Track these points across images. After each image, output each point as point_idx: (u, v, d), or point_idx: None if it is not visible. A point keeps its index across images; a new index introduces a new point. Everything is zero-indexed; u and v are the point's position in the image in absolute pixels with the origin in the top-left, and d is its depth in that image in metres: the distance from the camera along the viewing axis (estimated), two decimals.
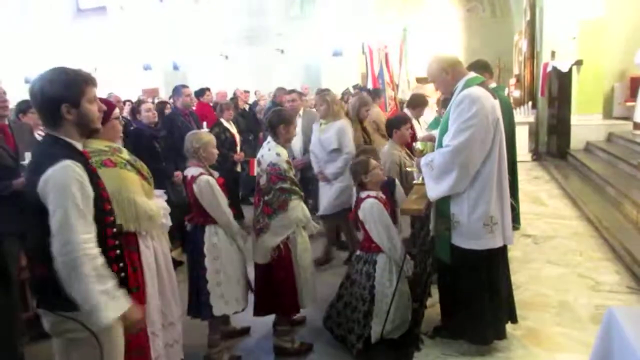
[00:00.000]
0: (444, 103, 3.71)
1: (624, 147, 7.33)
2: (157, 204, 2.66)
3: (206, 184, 2.99)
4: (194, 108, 6.31)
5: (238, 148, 5.98)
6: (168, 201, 2.91)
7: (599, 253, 4.47)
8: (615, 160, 6.95)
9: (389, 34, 10.39)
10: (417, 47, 10.57)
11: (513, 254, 4.38)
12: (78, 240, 1.69)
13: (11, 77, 14.10)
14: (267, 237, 3.17)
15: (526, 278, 3.96)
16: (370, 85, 7.63)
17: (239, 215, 3.95)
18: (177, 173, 4.52)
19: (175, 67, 14.94)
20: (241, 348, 3.50)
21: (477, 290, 2.73)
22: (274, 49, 14.34)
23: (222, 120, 5.91)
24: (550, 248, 4.65)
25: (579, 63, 8.53)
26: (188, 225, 3.19)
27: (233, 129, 6.03)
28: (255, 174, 3.45)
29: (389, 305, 3.02)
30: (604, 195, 5.96)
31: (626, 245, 4.27)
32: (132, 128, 5.15)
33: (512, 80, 11.42)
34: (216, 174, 3.18)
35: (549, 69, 8.83)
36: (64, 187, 1.71)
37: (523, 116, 9.28)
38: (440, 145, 2.72)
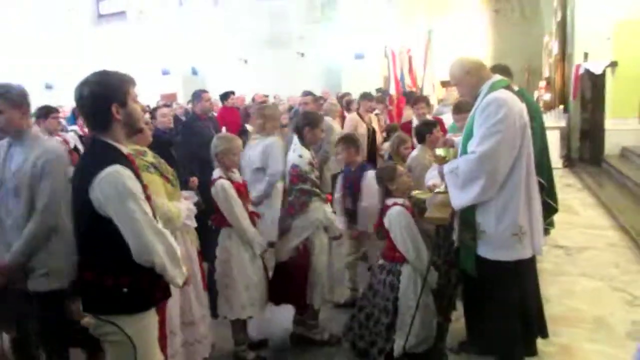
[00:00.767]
0: (455, 109, 3.55)
1: None
2: (178, 205, 2.70)
3: (221, 188, 3.03)
4: (214, 113, 6.28)
5: None
6: None
7: (636, 265, 4.30)
8: None
9: (413, 36, 10.24)
10: (442, 50, 10.37)
11: (544, 265, 4.21)
12: (154, 244, 1.85)
13: (32, 83, 14.58)
14: (289, 236, 3.24)
15: (558, 292, 3.82)
16: (392, 89, 7.51)
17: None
18: (193, 179, 4.48)
19: (194, 72, 15.14)
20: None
21: (506, 304, 2.61)
22: (295, 52, 14.36)
23: (248, 126, 5.68)
24: (584, 260, 4.48)
25: (613, 64, 8.24)
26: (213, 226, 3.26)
27: None
28: None
29: (412, 317, 2.90)
30: None
31: None
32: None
33: (542, 83, 11.12)
34: (239, 178, 3.22)
35: (582, 71, 8.56)
36: (121, 188, 1.78)
37: (554, 120, 9.02)
38: (465, 152, 2.60)
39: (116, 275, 1.86)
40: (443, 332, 3.07)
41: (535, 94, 10.75)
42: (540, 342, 2.83)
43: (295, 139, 3.32)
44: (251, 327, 3.46)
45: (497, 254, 2.56)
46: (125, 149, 1.95)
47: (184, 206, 2.79)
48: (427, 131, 4.02)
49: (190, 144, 4.86)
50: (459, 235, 2.80)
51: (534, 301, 2.75)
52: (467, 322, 3.00)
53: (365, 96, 6.26)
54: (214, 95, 7.20)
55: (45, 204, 2.41)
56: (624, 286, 3.86)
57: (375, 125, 5.89)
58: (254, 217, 3.19)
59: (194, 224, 2.88)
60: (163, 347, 2.40)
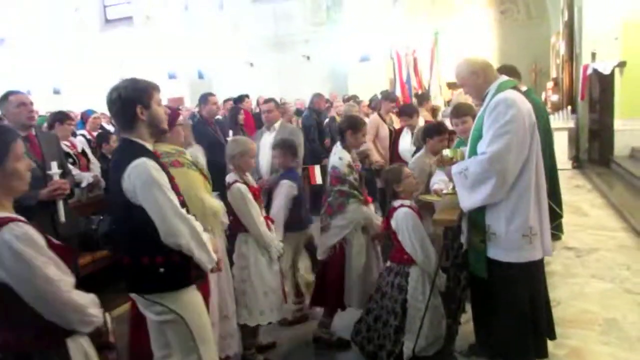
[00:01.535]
0: (454, 112, 3.48)
1: None
2: (217, 202, 2.83)
3: (237, 192, 3.03)
4: (219, 117, 6.29)
5: None
6: None
7: None
8: None
9: (419, 38, 10.21)
10: (448, 51, 10.33)
11: (553, 267, 4.17)
12: (178, 227, 2.03)
13: (40, 88, 14.72)
14: (327, 235, 3.32)
15: (568, 294, 3.78)
16: (398, 92, 7.48)
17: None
18: None
19: (200, 76, 15.18)
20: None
21: (517, 306, 2.58)
22: (300, 55, 14.37)
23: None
24: (594, 261, 4.42)
25: (622, 65, 8.15)
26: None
27: None
28: (316, 182, 3.50)
29: (421, 320, 2.87)
30: None
31: None
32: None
33: (550, 84, 11.03)
34: (253, 182, 3.25)
35: (589, 71, 8.49)
36: (148, 177, 2.00)
37: (562, 121, 8.94)
38: (474, 153, 2.57)
39: (151, 256, 2.06)
40: (452, 335, 3.04)
41: (543, 95, 10.68)
42: (550, 345, 2.78)
43: (339, 141, 3.41)
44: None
45: (507, 256, 2.54)
46: (150, 146, 2.15)
47: (219, 203, 2.90)
48: (427, 136, 3.88)
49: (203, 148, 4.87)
50: (468, 238, 2.77)
51: (544, 303, 2.71)
52: (475, 325, 2.97)
53: (387, 97, 6.23)
54: (220, 99, 7.24)
55: None
56: (636, 288, 3.80)
57: (396, 125, 5.91)
58: (268, 221, 3.19)
59: (227, 220, 2.99)
60: None
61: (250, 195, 3.04)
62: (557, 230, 4.34)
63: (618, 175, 7.58)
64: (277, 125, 4.62)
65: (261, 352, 3.32)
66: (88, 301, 1.66)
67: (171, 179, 2.14)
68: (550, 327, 2.79)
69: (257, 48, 14.73)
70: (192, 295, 2.18)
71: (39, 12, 16.24)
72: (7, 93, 3.18)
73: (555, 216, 3.72)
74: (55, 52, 16.00)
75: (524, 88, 4.00)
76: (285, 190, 3.46)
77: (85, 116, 7.28)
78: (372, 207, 3.41)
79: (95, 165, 4.72)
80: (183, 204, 2.16)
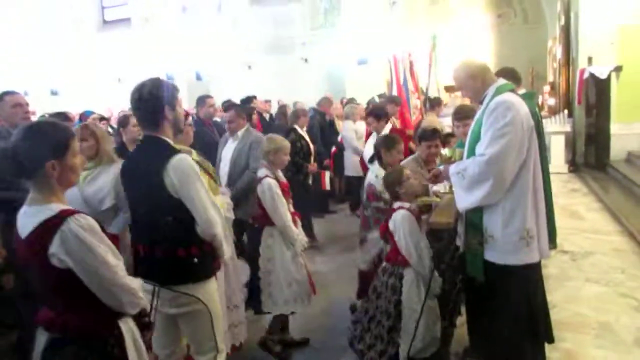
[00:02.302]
0: (455, 115, 3.47)
1: None
2: (222, 199, 2.97)
3: (268, 186, 3.18)
4: (217, 119, 6.29)
5: (312, 158, 5.62)
6: None
7: None
8: None
9: (416, 42, 10.24)
10: (446, 55, 10.36)
11: (549, 271, 4.17)
12: (215, 218, 2.19)
13: (38, 89, 14.68)
14: (365, 248, 3.50)
15: (563, 297, 3.79)
16: (395, 94, 7.48)
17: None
18: None
19: (198, 78, 15.15)
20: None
21: (514, 309, 2.57)
22: (298, 58, 14.37)
23: (297, 127, 5.62)
24: (589, 265, 4.43)
25: (618, 69, 8.19)
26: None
27: (307, 137, 5.69)
28: (326, 188, 3.61)
29: (417, 321, 2.87)
30: None
31: None
32: None
33: (547, 88, 11.07)
34: (283, 177, 3.39)
35: (586, 75, 8.52)
36: (190, 171, 2.14)
37: (558, 125, 8.95)
38: (472, 154, 2.58)
39: (187, 247, 2.18)
40: (448, 338, 3.04)
41: (540, 99, 10.71)
42: (544, 347, 2.78)
43: (375, 161, 3.53)
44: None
45: (505, 259, 2.53)
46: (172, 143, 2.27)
47: (225, 200, 3.07)
48: (420, 140, 3.76)
49: (194, 149, 4.87)
50: (465, 240, 2.76)
51: (541, 306, 2.70)
52: (469, 328, 2.96)
53: (392, 100, 6.33)
54: (218, 101, 7.23)
55: None
56: (630, 292, 3.81)
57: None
58: (295, 217, 3.34)
59: (232, 216, 3.14)
60: None
61: (278, 191, 3.19)
62: (550, 241, 4.30)
63: (614, 179, 7.61)
64: (240, 133, 4.38)
65: (291, 347, 3.43)
66: (137, 285, 1.79)
67: None
68: (548, 330, 2.79)
69: (255, 50, 14.73)
70: (214, 286, 2.34)
71: (37, 13, 16.22)
72: (3, 93, 3.19)
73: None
74: (53, 53, 15.96)
75: (522, 91, 4.01)
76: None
77: (83, 117, 7.27)
78: None
79: None
80: None
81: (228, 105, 4.61)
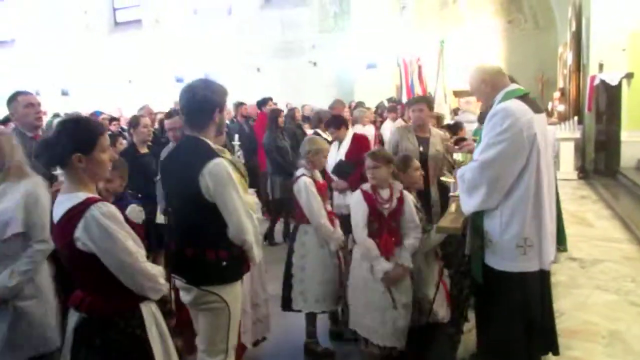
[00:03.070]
0: (480, 119, 3.53)
1: None
2: (250, 198, 2.96)
3: (304, 184, 3.22)
4: (227, 122, 6.33)
5: None
6: None
7: None
8: None
9: (426, 46, 10.23)
10: (455, 60, 10.34)
11: (557, 278, 4.14)
12: (247, 224, 2.21)
13: (49, 89, 14.83)
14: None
15: (572, 305, 3.75)
16: (404, 99, 7.49)
17: None
18: None
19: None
20: None
21: (509, 317, 2.55)
22: (307, 61, 14.40)
23: (319, 131, 5.49)
24: (599, 272, 4.38)
25: (629, 76, 8.13)
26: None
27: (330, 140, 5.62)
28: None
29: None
30: None
31: None
32: (162, 139, 5.18)
33: (557, 94, 11.00)
34: (320, 178, 3.40)
35: (597, 82, 8.46)
36: (226, 177, 2.14)
37: (568, 132, 8.90)
38: None
39: (216, 250, 2.21)
40: (455, 344, 3.02)
41: (549, 105, 10.65)
42: (552, 358, 2.76)
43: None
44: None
45: (502, 264, 2.53)
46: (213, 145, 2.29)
47: (254, 199, 3.09)
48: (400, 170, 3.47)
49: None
50: (468, 242, 2.78)
51: (541, 316, 2.64)
52: (477, 334, 2.94)
53: (410, 103, 6.22)
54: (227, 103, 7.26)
55: None
56: None
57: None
58: (332, 216, 3.35)
59: (260, 216, 3.16)
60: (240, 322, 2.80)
61: (314, 189, 3.22)
62: (559, 243, 4.30)
63: (624, 187, 7.54)
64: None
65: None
66: (158, 272, 1.86)
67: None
68: (553, 341, 2.75)
69: (264, 53, 14.78)
70: (239, 289, 2.37)
71: (49, 14, 16.40)
72: (16, 93, 3.21)
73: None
74: (64, 54, 16.12)
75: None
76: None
77: (93, 117, 7.34)
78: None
79: None
80: None
81: (172, 111, 3.76)
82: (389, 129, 6.58)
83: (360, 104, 8.56)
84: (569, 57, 10.23)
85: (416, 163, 3.29)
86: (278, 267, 3.47)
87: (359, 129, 6.62)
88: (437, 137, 3.98)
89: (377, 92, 10.98)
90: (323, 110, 6.18)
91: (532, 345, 2.60)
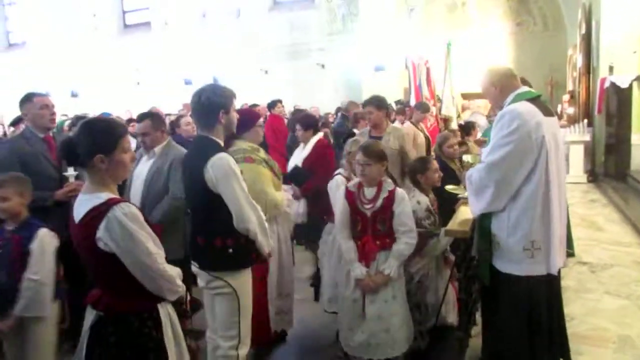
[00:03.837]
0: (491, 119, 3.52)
1: None
2: (282, 194, 3.15)
3: (336, 183, 3.21)
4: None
5: None
6: None
7: None
8: None
9: (434, 49, 10.20)
10: (464, 62, 10.29)
11: (567, 282, 4.10)
12: (249, 214, 2.36)
13: (58, 91, 14.97)
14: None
15: (582, 309, 3.71)
16: (413, 101, 7.47)
17: None
18: None
19: (216, 82, 15.33)
20: None
21: (516, 322, 2.53)
22: (315, 63, 14.40)
23: (355, 131, 5.19)
24: (609, 277, 4.34)
25: None
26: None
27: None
28: None
29: None
30: None
31: None
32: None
33: (566, 97, 10.92)
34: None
35: (607, 84, 8.39)
36: (228, 170, 2.31)
37: (578, 135, 8.82)
38: None
39: (223, 238, 2.37)
40: (463, 348, 3.00)
41: (559, 108, 10.58)
42: None
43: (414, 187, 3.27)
44: None
45: (508, 267, 2.52)
46: (222, 143, 2.47)
47: (285, 196, 3.24)
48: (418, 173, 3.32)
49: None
50: (476, 244, 2.76)
51: (554, 321, 2.62)
52: (482, 337, 2.91)
53: (419, 107, 6.34)
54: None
55: None
56: None
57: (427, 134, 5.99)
58: None
59: (291, 211, 3.36)
60: (266, 311, 3.05)
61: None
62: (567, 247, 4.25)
63: (634, 190, 7.45)
64: (158, 149, 3.32)
65: None
66: (175, 274, 1.90)
67: (240, 172, 2.44)
68: (564, 346, 2.72)
69: (272, 56, 14.81)
70: (248, 277, 2.51)
71: (59, 16, 16.57)
72: (31, 95, 3.24)
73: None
74: (74, 56, 16.26)
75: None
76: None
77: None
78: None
79: None
80: None
81: (142, 115, 3.51)
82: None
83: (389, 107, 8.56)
84: (579, 59, 10.15)
85: (435, 164, 3.26)
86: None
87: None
88: (392, 134, 3.94)
89: (385, 94, 10.88)
90: (360, 111, 5.92)
91: (537, 350, 2.57)
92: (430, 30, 12.96)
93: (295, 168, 3.98)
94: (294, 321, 3.44)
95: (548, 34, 13.17)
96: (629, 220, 6.00)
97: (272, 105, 8.04)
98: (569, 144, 8.35)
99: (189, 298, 2.08)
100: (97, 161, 1.78)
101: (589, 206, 6.99)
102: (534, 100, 2.55)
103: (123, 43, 16.46)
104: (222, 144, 2.46)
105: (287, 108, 10.56)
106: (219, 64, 14.96)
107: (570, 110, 10.30)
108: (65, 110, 10.82)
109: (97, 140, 1.80)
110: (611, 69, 8.41)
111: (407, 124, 6.14)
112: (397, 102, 9.54)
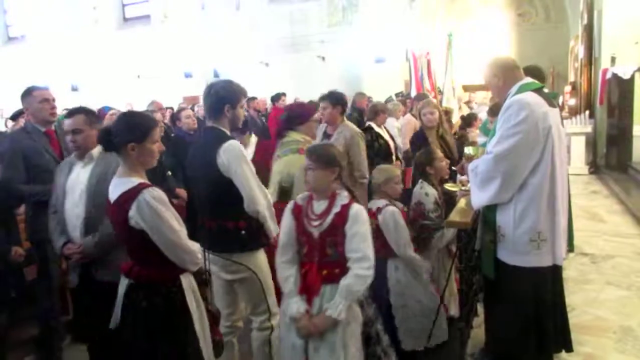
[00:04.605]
0: (490, 112, 3.51)
1: None
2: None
3: (391, 215, 2.81)
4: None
5: (394, 157, 4.97)
6: None
7: None
8: None
9: (435, 40, 10.17)
10: (465, 53, 10.25)
11: (568, 273, 4.11)
12: (259, 197, 2.51)
13: (59, 84, 14.96)
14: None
15: (583, 300, 3.72)
16: (413, 93, 7.45)
17: None
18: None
19: (216, 75, 15.22)
20: None
21: (522, 313, 2.54)
22: (315, 56, 14.36)
23: (373, 124, 5.04)
24: (610, 268, 4.34)
25: None
26: None
27: (386, 135, 5.07)
28: (409, 185, 3.60)
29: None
30: None
31: None
32: (172, 135, 5.22)
33: (567, 88, 10.88)
34: (400, 205, 3.03)
35: (609, 75, 8.36)
36: (239, 155, 2.48)
37: (579, 126, 8.80)
38: None
39: (235, 220, 2.52)
40: (464, 339, 3.02)
41: (560, 99, 10.54)
42: (563, 354, 2.75)
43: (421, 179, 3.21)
44: None
45: (514, 259, 2.52)
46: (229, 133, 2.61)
47: None
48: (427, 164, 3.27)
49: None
50: (480, 237, 2.76)
51: (552, 313, 2.63)
52: (486, 330, 2.94)
53: (419, 98, 6.10)
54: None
55: None
56: None
57: None
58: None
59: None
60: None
61: (401, 220, 2.84)
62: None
63: (636, 182, 7.44)
64: (95, 152, 2.68)
65: None
66: (197, 248, 2.13)
67: None
68: (566, 338, 2.74)
69: (272, 48, 14.75)
70: (263, 257, 2.63)
71: (59, 10, 16.51)
72: (31, 88, 3.23)
73: None
74: (74, 49, 16.23)
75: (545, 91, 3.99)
76: None
77: (102, 112, 7.38)
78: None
79: None
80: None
81: (73, 110, 2.77)
82: (395, 124, 6.55)
83: (389, 99, 8.57)
84: (581, 50, 10.10)
85: (439, 153, 3.25)
86: None
87: (392, 122, 6.48)
88: (343, 134, 3.82)
89: (386, 86, 10.92)
90: (380, 103, 5.76)
91: (541, 340, 2.59)
92: (431, 21, 12.91)
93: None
94: None
95: (550, 25, 13.11)
96: (630, 212, 6.00)
97: (276, 98, 8.27)
98: (570, 136, 8.33)
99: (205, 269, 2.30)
100: (129, 149, 2.02)
101: (591, 197, 6.99)
102: (539, 90, 2.54)
103: (123, 36, 16.41)
104: (228, 133, 2.59)
105: (288, 101, 10.54)
106: (219, 57, 14.91)
107: (572, 101, 10.26)
108: (66, 104, 10.80)
109: (131, 130, 2.04)
110: (613, 60, 8.37)
111: (408, 116, 6.15)
112: (398, 95, 9.51)
